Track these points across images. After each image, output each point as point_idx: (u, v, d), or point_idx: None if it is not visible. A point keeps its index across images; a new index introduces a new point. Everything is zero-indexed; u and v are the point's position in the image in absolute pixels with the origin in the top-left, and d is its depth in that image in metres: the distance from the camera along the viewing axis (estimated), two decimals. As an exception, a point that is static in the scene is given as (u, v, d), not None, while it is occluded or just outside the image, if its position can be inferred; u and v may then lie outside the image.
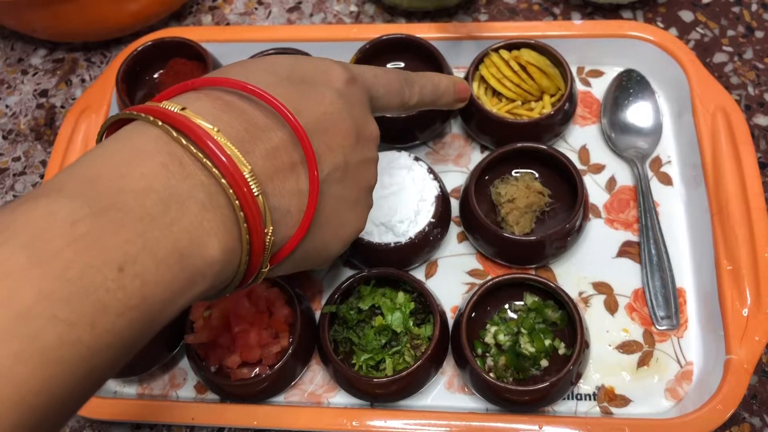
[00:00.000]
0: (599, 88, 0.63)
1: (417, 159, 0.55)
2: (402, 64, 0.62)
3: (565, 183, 0.55)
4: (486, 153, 0.60)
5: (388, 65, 0.62)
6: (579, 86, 0.63)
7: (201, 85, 0.34)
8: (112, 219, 0.26)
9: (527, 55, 0.58)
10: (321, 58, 0.39)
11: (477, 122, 0.58)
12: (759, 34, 0.66)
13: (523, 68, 0.58)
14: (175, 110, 0.31)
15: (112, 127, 0.33)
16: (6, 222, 0.25)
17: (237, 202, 0.30)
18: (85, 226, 0.25)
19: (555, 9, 0.70)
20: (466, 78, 0.59)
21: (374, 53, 0.60)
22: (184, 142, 0.30)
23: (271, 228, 0.32)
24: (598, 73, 0.64)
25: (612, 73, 0.63)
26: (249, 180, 0.31)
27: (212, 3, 0.75)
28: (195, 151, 0.30)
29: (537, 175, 0.57)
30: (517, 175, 0.57)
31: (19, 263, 0.23)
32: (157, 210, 0.28)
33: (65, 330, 0.23)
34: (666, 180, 0.58)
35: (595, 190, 0.58)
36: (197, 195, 0.29)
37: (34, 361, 0.23)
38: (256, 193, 0.31)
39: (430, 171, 0.55)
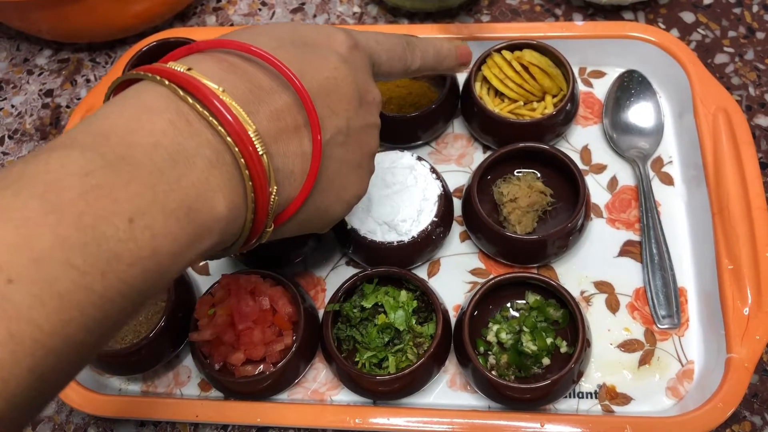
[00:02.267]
0: (601, 88, 0.63)
1: (420, 159, 0.56)
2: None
3: (567, 183, 0.55)
4: (488, 153, 0.60)
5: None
6: (581, 87, 0.63)
7: (206, 48, 0.34)
8: (122, 172, 0.27)
9: (529, 56, 0.58)
10: (323, 24, 0.40)
11: (479, 122, 0.59)
12: (760, 35, 0.66)
13: (526, 69, 0.58)
14: (182, 70, 0.31)
15: (119, 88, 0.33)
16: (20, 173, 0.25)
17: (242, 160, 0.31)
18: (96, 178, 0.26)
19: (557, 10, 0.70)
20: (469, 78, 0.59)
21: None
22: (190, 100, 0.30)
23: (275, 188, 0.33)
24: (599, 74, 0.64)
25: (613, 73, 0.63)
26: (254, 139, 0.31)
27: (216, 4, 0.75)
28: (201, 109, 0.30)
29: (539, 174, 0.57)
30: (520, 174, 0.57)
31: (36, 210, 0.24)
32: (165, 165, 0.28)
33: (78, 276, 0.24)
34: (667, 180, 0.58)
35: (596, 189, 0.58)
36: (204, 152, 0.30)
37: (51, 304, 0.23)
38: (260, 153, 0.32)
39: (433, 171, 0.55)
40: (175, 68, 0.32)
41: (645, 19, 0.68)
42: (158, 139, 0.29)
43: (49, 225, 0.24)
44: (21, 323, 0.22)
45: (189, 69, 0.32)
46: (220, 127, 0.30)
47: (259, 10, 0.74)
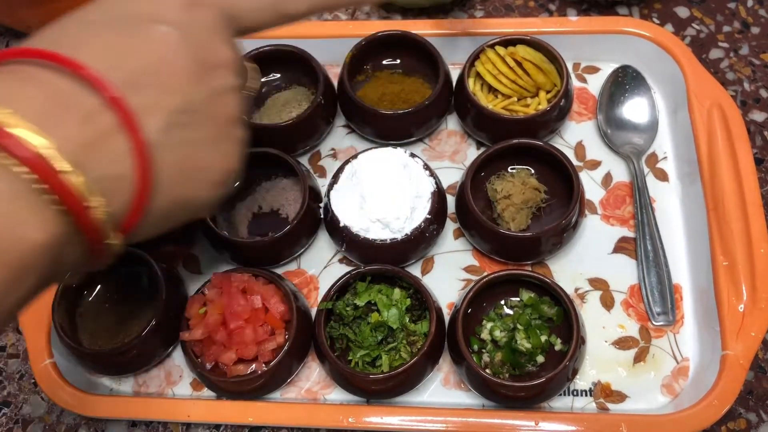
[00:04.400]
0: (595, 84, 0.63)
1: (413, 155, 0.55)
2: (398, 61, 0.62)
3: (561, 179, 0.55)
4: (482, 149, 0.60)
5: (384, 62, 0.62)
6: (575, 82, 0.63)
7: (3, 58, 0.31)
8: None
9: (523, 52, 0.58)
10: None
11: (473, 119, 0.58)
12: (755, 30, 0.66)
13: (519, 64, 0.58)
14: None
15: None
16: None
17: (38, 185, 0.28)
18: None
19: (551, 5, 0.70)
20: (462, 74, 0.59)
21: (370, 50, 0.60)
22: None
23: (102, 199, 0.30)
24: (593, 69, 0.64)
25: (608, 69, 0.63)
26: (50, 157, 0.28)
27: (208, 0, 0.75)
28: None
29: (533, 171, 0.57)
30: (513, 171, 0.57)
31: None
32: None
33: None
34: (662, 176, 0.58)
35: (591, 186, 0.58)
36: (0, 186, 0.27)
37: None
38: (61, 170, 0.28)
39: (426, 167, 0.55)
40: None
41: (639, 14, 0.68)
42: None
43: None
44: None
45: None
46: (9, 158, 0.27)
47: (251, 6, 0.74)
